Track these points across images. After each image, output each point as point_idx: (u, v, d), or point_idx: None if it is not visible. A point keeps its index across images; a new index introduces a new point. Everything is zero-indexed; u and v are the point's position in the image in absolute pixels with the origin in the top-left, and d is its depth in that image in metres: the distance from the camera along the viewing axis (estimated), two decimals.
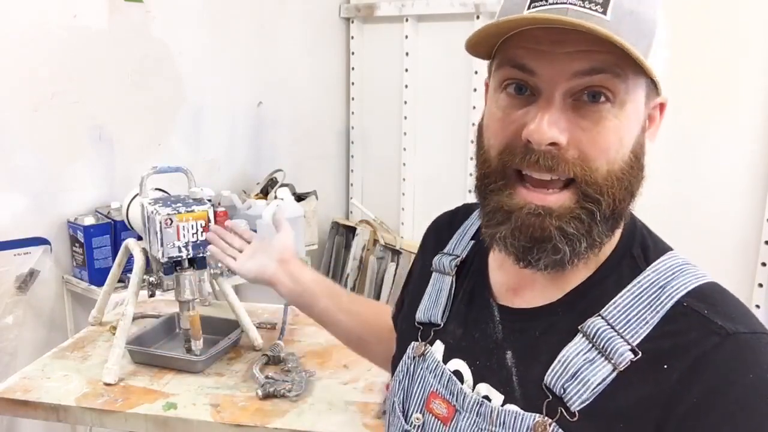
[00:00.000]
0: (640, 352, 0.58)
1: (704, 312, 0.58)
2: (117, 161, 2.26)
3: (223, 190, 2.53)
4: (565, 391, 0.60)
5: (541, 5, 0.57)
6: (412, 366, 0.75)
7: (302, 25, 2.87)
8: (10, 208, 2.01)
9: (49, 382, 1.34)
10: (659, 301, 0.60)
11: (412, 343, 0.77)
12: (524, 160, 0.59)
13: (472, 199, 0.73)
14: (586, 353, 0.61)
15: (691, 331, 0.57)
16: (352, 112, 3.14)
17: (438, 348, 0.74)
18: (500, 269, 0.74)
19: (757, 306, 2.00)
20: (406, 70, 2.87)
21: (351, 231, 3.02)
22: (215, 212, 1.37)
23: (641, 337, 0.59)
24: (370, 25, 3.03)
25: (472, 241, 0.80)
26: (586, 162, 0.58)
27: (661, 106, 0.65)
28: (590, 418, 0.59)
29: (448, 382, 0.70)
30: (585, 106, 0.58)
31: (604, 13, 0.55)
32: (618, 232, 0.65)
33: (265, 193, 2.63)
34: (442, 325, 0.75)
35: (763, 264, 1.98)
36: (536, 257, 0.60)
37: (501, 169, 0.61)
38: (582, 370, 0.60)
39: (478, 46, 0.63)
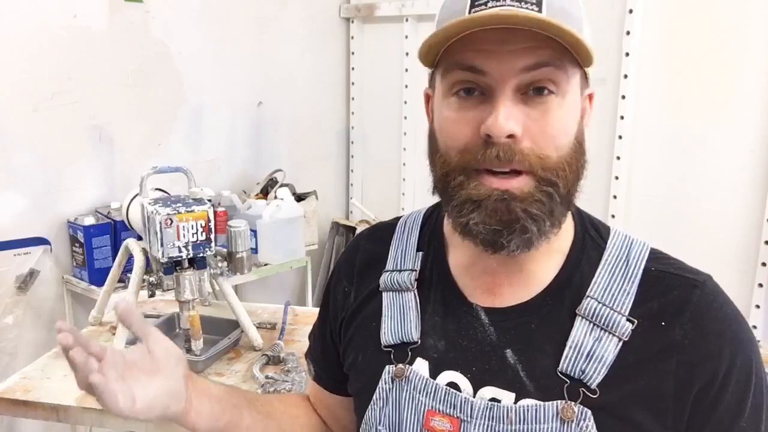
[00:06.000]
0: (635, 320, 0.65)
1: (672, 271, 0.68)
2: (117, 161, 2.26)
3: (223, 190, 2.53)
4: (583, 373, 0.64)
5: (481, 9, 0.61)
6: (394, 390, 0.72)
7: (302, 25, 2.88)
8: (10, 208, 2.01)
9: (49, 382, 1.34)
10: (630, 272, 0.68)
11: (387, 367, 0.73)
12: (484, 157, 0.62)
13: None
14: (591, 333, 0.66)
15: (673, 290, 0.66)
16: (352, 112, 3.14)
17: (421, 365, 0.72)
18: (467, 274, 0.73)
19: (757, 306, 2.00)
20: (406, 70, 2.87)
21: (351, 231, 3.02)
22: (215, 212, 1.36)
23: (629, 306, 0.66)
24: (370, 25, 3.03)
25: (420, 253, 0.78)
26: (538, 151, 0.62)
27: (590, 97, 0.70)
28: (611, 389, 0.64)
29: (445, 395, 0.69)
30: (532, 98, 0.62)
31: (540, 11, 0.60)
32: (570, 217, 0.71)
33: (265, 193, 2.63)
34: (419, 342, 0.73)
35: (763, 264, 1.98)
36: (507, 238, 0.64)
37: (461, 167, 0.65)
38: (594, 348, 0.65)
39: (429, 55, 0.66)
